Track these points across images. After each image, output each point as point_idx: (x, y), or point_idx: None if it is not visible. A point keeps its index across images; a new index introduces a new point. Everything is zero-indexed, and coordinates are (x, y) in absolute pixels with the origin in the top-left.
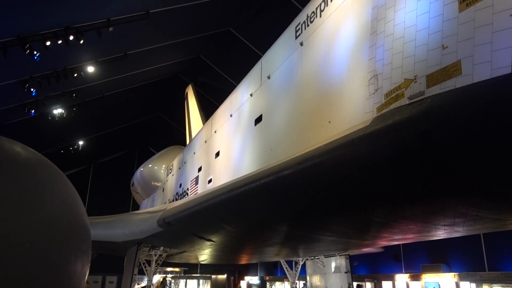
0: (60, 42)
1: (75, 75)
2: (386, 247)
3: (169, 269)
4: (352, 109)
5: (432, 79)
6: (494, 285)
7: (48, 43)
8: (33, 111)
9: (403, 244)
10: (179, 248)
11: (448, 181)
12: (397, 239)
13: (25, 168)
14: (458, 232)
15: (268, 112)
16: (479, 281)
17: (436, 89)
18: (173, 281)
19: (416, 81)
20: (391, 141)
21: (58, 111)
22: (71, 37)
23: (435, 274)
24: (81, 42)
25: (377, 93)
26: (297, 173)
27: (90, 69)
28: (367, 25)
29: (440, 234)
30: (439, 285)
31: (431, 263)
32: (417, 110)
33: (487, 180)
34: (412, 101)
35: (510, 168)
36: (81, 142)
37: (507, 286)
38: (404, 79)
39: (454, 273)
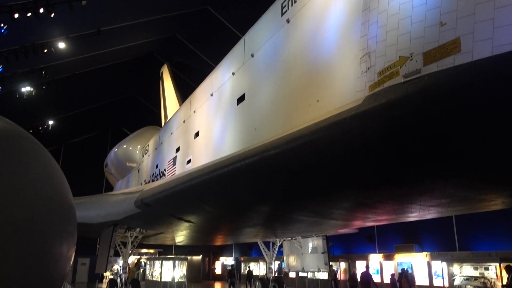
0: (29, 14)
1: (45, 51)
2: (360, 228)
3: (143, 250)
4: (342, 87)
5: (429, 56)
6: (464, 264)
7: (16, 15)
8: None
9: (377, 225)
10: (157, 229)
11: (442, 162)
12: (376, 220)
13: (2, 141)
14: (440, 213)
15: (252, 91)
16: (450, 261)
17: (433, 67)
18: (148, 262)
19: (412, 59)
20: (385, 120)
21: (26, 89)
22: (41, 10)
23: (408, 254)
24: (52, 15)
25: (370, 72)
26: (285, 153)
27: (61, 45)
28: (359, 2)
29: (423, 214)
30: (411, 264)
31: (404, 243)
32: (413, 89)
33: (482, 161)
34: (407, 79)
35: (508, 147)
36: (51, 122)
37: (477, 265)
38: (399, 56)
39: (426, 252)
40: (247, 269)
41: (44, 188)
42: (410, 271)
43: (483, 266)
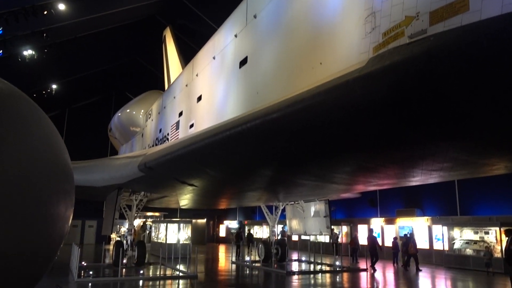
0: None
1: (45, 12)
2: (362, 193)
3: (149, 213)
4: (346, 49)
5: (436, 16)
6: (465, 228)
7: None
8: (1, 51)
9: (379, 190)
10: (160, 192)
11: (446, 125)
12: (377, 184)
13: None
14: (442, 177)
15: (254, 54)
16: (450, 225)
17: (439, 27)
18: (153, 225)
19: (418, 19)
20: (388, 83)
21: (28, 52)
22: None
23: (409, 218)
24: None
25: (374, 32)
26: (287, 116)
27: (61, 6)
28: None
29: (424, 179)
30: (412, 228)
31: (405, 208)
32: (419, 50)
33: (487, 123)
34: (413, 40)
35: None
36: (54, 86)
37: (477, 229)
38: (405, 16)
39: (428, 217)
40: (247, 232)
41: (39, 147)
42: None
43: (483, 230)
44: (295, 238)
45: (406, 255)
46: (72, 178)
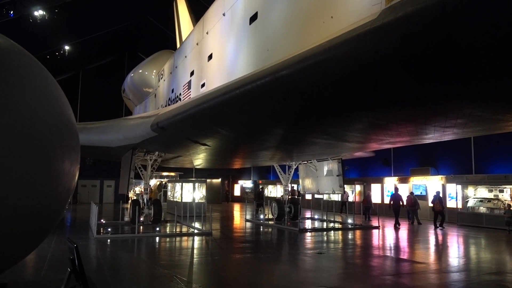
0: None
1: None
2: (377, 152)
3: (165, 173)
4: (358, 2)
5: None
6: (479, 186)
7: None
8: (11, 12)
9: (393, 149)
10: (174, 152)
11: (460, 79)
12: (390, 142)
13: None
14: (456, 134)
15: (264, 8)
16: (465, 183)
17: None
18: (169, 184)
19: None
20: (401, 35)
21: (39, 12)
22: None
23: (423, 176)
24: None
25: None
26: (297, 73)
27: None
28: None
29: (437, 136)
30: (426, 187)
31: (420, 167)
32: (433, 0)
33: (502, 77)
34: None
35: None
36: (67, 47)
37: (491, 187)
38: None
39: (442, 176)
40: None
41: (41, 102)
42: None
43: (498, 189)
44: (308, 197)
45: (434, 212)
46: (76, 135)
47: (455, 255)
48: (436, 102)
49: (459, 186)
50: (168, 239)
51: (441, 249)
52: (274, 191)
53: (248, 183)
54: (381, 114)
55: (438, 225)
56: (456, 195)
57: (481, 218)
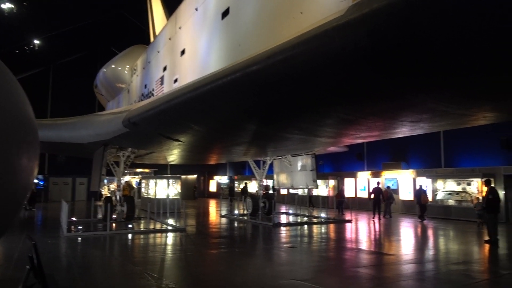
0: None
1: None
2: (350, 147)
3: (139, 170)
4: None
5: None
6: (448, 179)
7: None
8: None
9: (367, 144)
10: (147, 148)
11: (425, 74)
12: (362, 137)
13: None
14: (422, 128)
15: (236, 4)
16: (434, 177)
17: None
18: (143, 181)
19: None
20: (367, 31)
21: (7, 5)
22: None
23: (395, 171)
24: None
25: None
26: (267, 69)
27: None
28: None
29: (405, 131)
30: (397, 181)
31: (391, 161)
32: None
33: (466, 72)
34: None
35: (494, 56)
36: (37, 42)
37: (460, 180)
38: None
39: (413, 170)
40: (244, 186)
41: None
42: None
43: (465, 182)
44: (283, 192)
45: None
46: (35, 130)
47: (424, 247)
48: (402, 97)
49: (429, 180)
50: (141, 236)
51: (411, 241)
52: (249, 186)
53: (224, 179)
54: (350, 109)
55: (425, 218)
56: (426, 188)
57: (450, 210)
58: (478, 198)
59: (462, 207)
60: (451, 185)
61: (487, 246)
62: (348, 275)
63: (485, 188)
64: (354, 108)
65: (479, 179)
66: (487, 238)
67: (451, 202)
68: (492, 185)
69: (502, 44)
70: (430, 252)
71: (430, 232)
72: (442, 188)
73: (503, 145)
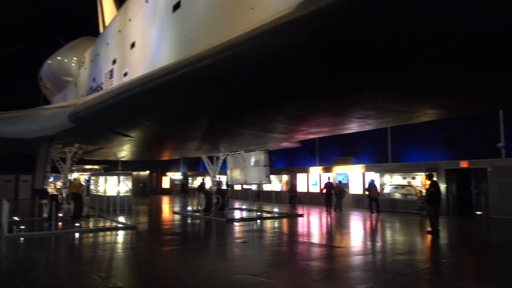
0: None
1: None
2: (303, 143)
3: (87, 166)
4: None
5: None
6: (395, 174)
7: None
8: None
9: (319, 140)
10: (95, 144)
11: (369, 72)
12: (313, 133)
13: None
14: (369, 125)
15: None
16: (382, 171)
17: None
18: (93, 178)
19: None
20: (314, 29)
21: None
22: None
23: (345, 166)
24: None
25: None
26: (217, 64)
27: None
28: None
29: (353, 127)
30: (347, 175)
31: (342, 156)
32: None
33: (409, 71)
34: None
35: (439, 55)
36: None
37: (405, 174)
38: None
39: (362, 165)
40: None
41: None
42: (345, 181)
43: (410, 176)
44: (237, 187)
45: (369, 199)
46: None
47: (372, 239)
48: (348, 94)
49: (377, 174)
50: (89, 235)
51: (360, 233)
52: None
53: (177, 175)
54: (300, 105)
55: (373, 211)
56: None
57: (396, 203)
58: (421, 192)
59: (407, 200)
60: (398, 179)
61: (429, 237)
62: (299, 268)
63: (427, 182)
64: (303, 104)
65: (423, 173)
66: (429, 229)
67: (397, 195)
68: (434, 179)
69: (434, 46)
70: (377, 244)
71: (378, 225)
72: (389, 182)
73: (445, 141)
